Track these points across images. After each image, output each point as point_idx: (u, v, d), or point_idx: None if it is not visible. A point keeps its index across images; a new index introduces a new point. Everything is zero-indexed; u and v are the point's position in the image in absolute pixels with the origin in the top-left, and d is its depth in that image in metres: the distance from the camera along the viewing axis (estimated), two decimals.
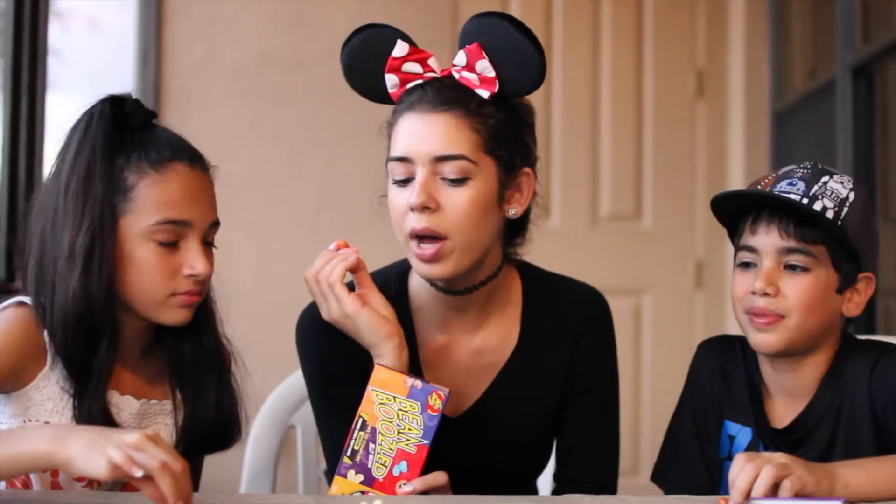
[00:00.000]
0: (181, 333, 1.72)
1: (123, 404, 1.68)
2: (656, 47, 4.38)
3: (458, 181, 1.68)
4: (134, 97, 1.70)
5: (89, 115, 1.66)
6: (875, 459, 1.61)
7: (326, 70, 3.92)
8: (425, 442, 1.61)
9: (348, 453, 1.62)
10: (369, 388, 1.63)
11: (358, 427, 1.63)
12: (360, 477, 1.62)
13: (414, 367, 1.75)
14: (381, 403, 1.63)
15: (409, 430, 1.62)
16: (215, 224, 1.69)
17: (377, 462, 1.62)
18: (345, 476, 1.62)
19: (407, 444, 1.62)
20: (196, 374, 1.73)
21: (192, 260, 1.64)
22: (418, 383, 1.63)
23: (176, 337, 1.73)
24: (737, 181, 4.36)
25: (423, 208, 1.66)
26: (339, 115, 3.96)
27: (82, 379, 1.62)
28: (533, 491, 1.92)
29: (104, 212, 1.62)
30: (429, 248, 1.68)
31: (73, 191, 1.63)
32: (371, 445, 1.62)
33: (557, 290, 1.86)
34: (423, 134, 1.68)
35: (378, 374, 1.64)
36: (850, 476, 1.55)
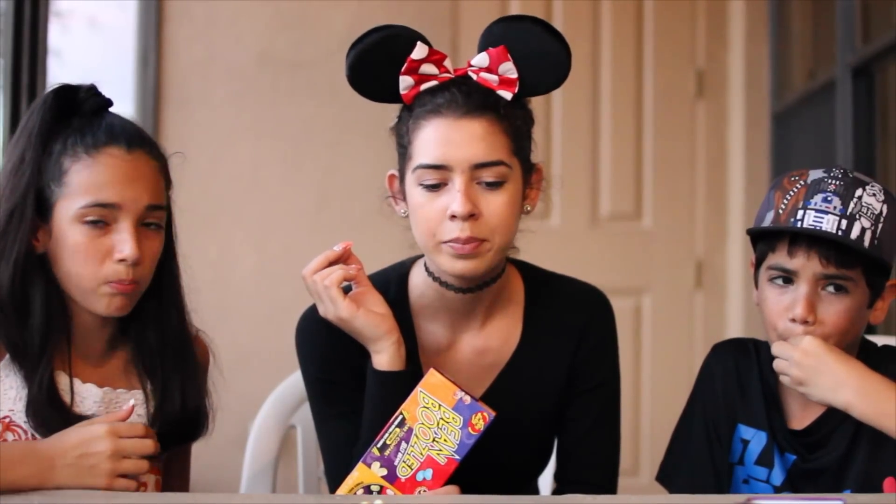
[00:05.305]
0: (143, 324, 1.74)
1: (85, 392, 1.70)
2: (656, 47, 4.38)
3: (496, 186, 1.69)
4: (90, 84, 1.72)
5: (35, 104, 1.70)
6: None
7: (326, 70, 3.93)
8: (457, 457, 1.61)
9: (378, 445, 1.62)
10: (418, 388, 1.63)
11: (396, 423, 1.63)
12: (384, 471, 1.62)
13: (414, 368, 1.75)
14: (424, 407, 1.62)
15: (445, 440, 1.62)
16: (154, 207, 1.68)
17: (404, 462, 1.62)
18: (369, 466, 1.62)
19: (438, 454, 1.62)
20: (162, 365, 1.75)
21: (121, 244, 1.65)
22: (467, 398, 1.62)
23: (138, 328, 1.75)
24: (737, 181, 4.36)
25: (468, 216, 1.66)
26: (339, 115, 3.96)
27: (21, 359, 1.64)
28: (534, 490, 1.92)
29: (26, 198, 1.65)
30: (468, 246, 1.68)
31: (6, 175, 1.68)
32: (403, 444, 1.62)
33: (559, 290, 1.86)
34: (461, 140, 1.68)
35: (430, 378, 1.64)
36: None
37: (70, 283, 1.67)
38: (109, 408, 1.72)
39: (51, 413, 1.64)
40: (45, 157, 1.67)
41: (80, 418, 1.67)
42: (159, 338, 1.75)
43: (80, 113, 1.70)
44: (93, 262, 1.65)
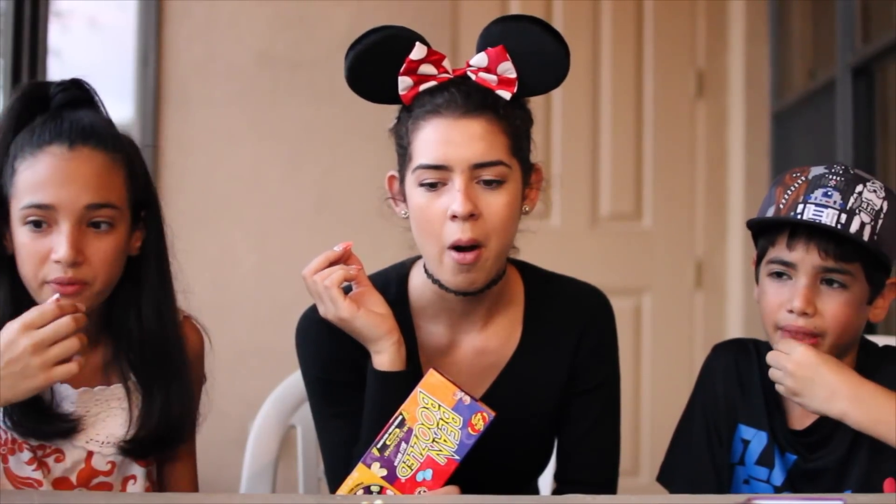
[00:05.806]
0: (123, 323, 1.73)
1: (65, 391, 1.70)
2: (656, 47, 4.38)
3: (496, 186, 1.69)
4: (68, 79, 1.70)
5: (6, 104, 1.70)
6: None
7: (326, 70, 3.92)
8: (457, 458, 1.62)
9: (378, 445, 1.63)
10: (417, 389, 1.63)
11: (395, 424, 1.63)
12: (384, 472, 1.62)
13: (415, 368, 1.75)
14: (424, 407, 1.63)
15: (445, 441, 1.62)
16: (98, 206, 1.64)
17: (404, 462, 1.62)
18: (369, 466, 1.62)
19: (438, 455, 1.62)
20: (144, 365, 1.73)
21: (57, 245, 1.62)
22: (466, 399, 1.63)
23: (120, 325, 1.74)
24: (737, 181, 4.36)
25: (468, 216, 1.66)
26: (339, 115, 3.96)
27: None
28: (534, 490, 1.92)
29: None
30: (469, 255, 1.68)
31: None
32: (403, 445, 1.62)
33: (559, 290, 1.86)
34: (461, 140, 1.67)
35: (429, 379, 1.64)
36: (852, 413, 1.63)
37: (24, 282, 1.66)
38: (87, 406, 1.71)
39: (26, 411, 1.63)
40: (5, 158, 1.66)
41: (62, 417, 1.67)
42: (140, 338, 1.73)
43: (48, 110, 1.68)
44: (34, 263, 1.64)
